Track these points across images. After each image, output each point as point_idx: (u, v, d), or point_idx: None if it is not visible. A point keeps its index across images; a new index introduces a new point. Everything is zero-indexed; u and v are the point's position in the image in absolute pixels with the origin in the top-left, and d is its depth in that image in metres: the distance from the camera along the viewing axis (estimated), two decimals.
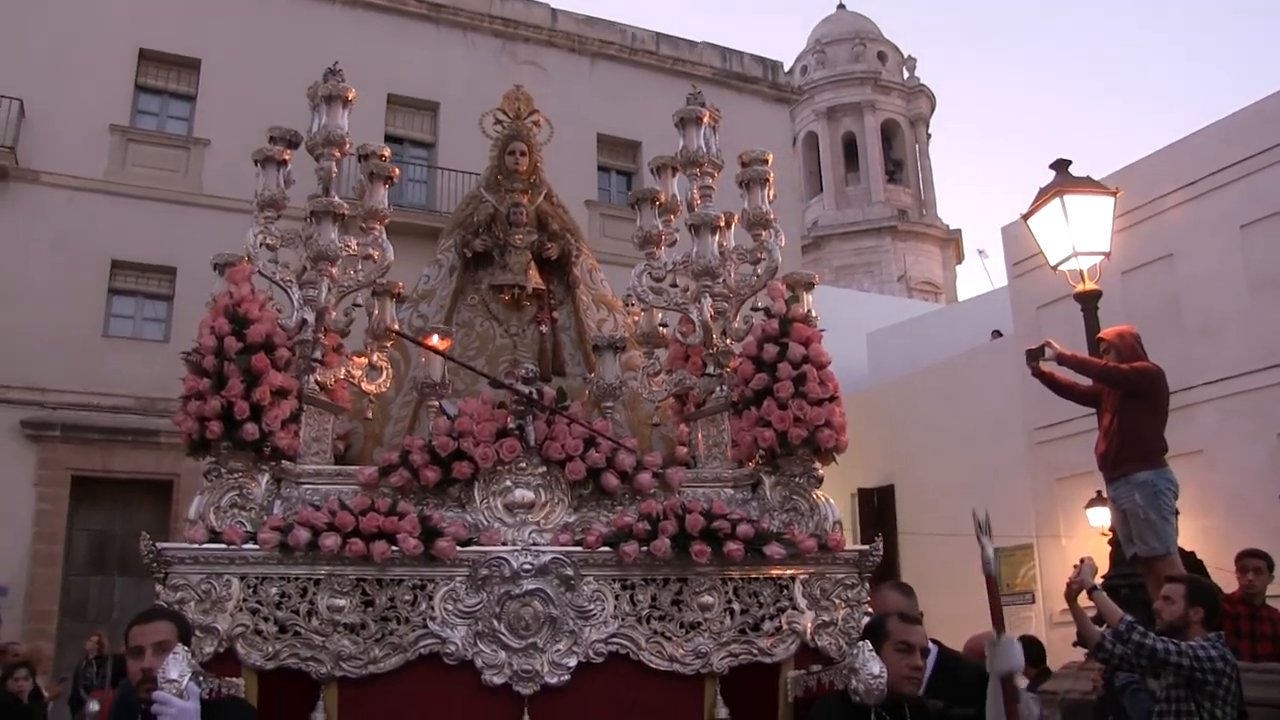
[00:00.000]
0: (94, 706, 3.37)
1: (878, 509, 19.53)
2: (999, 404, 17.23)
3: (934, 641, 4.72)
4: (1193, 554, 7.87)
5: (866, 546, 4.66)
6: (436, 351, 4.69)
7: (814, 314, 4.94)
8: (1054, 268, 8.66)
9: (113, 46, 18.32)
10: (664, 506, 4.43)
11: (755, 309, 5.11)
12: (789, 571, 4.52)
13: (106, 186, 17.82)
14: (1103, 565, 7.79)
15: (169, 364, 15.92)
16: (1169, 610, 5.16)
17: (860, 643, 3.96)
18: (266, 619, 4.09)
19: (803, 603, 4.52)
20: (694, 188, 5.29)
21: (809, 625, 4.49)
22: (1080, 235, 8.39)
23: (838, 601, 4.56)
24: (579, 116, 20.16)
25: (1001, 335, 19.44)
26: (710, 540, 4.36)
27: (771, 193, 5.23)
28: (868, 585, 4.68)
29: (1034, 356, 7.49)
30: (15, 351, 16.53)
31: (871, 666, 3.85)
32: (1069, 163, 8.87)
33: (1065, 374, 7.70)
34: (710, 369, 5.01)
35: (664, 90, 21.93)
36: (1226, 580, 7.73)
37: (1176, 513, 7.31)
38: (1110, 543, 7.86)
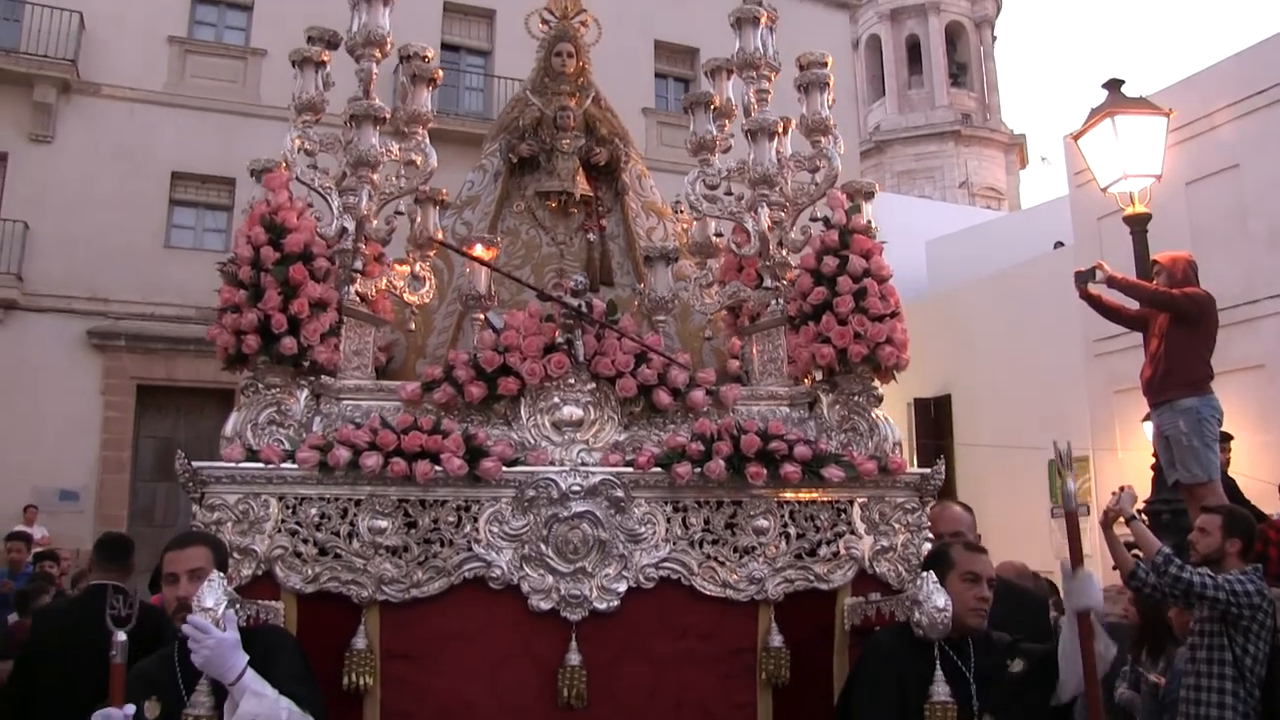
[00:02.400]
0: (121, 637, 3.16)
1: (934, 419, 19.18)
2: (1058, 315, 16.66)
3: None
4: (1233, 481, 7.60)
5: (928, 470, 4.36)
6: (482, 262, 4.41)
7: (874, 225, 4.61)
8: (1104, 190, 8.40)
9: None
10: (718, 426, 4.16)
11: (814, 219, 4.77)
12: (847, 495, 4.25)
13: (166, 98, 17.72)
14: (1145, 490, 7.61)
15: None
16: (1205, 542, 5.03)
17: (924, 573, 3.68)
18: (306, 541, 3.88)
19: (861, 527, 4.25)
20: (750, 91, 4.92)
21: (867, 551, 4.23)
22: (1131, 157, 8.13)
23: (897, 526, 4.29)
24: (636, 22, 19.64)
25: (1063, 245, 18.84)
26: (766, 462, 4.08)
27: (831, 97, 4.86)
28: (928, 509, 4.41)
29: (1084, 278, 7.36)
30: (79, 262, 16.60)
31: (936, 599, 3.57)
32: (1121, 82, 8.56)
33: (1113, 297, 7.57)
34: (767, 281, 4.69)
35: None
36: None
37: (1230, 436, 7.03)
38: (1153, 468, 7.62)
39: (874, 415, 4.41)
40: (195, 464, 3.88)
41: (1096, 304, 7.56)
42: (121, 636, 3.10)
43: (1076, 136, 8.76)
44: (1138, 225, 8.10)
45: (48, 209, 16.62)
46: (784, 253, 4.73)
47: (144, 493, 17.05)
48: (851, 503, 4.26)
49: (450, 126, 16.87)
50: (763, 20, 4.86)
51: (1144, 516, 6.95)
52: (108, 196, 16.83)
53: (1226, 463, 7.68)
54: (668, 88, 21.73)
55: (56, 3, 16.94)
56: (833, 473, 4.15)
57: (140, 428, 16.98)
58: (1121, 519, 4.96)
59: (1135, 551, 5.26)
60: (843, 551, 4.21)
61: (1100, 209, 15.90)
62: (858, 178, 4.92)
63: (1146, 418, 7.61)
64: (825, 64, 4.83)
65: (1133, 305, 7.61)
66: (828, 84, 4.76)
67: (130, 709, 3.06)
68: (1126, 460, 16.11)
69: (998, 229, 23.75)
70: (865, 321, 4.27)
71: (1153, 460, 7.67)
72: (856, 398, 4.42)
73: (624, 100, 5.96)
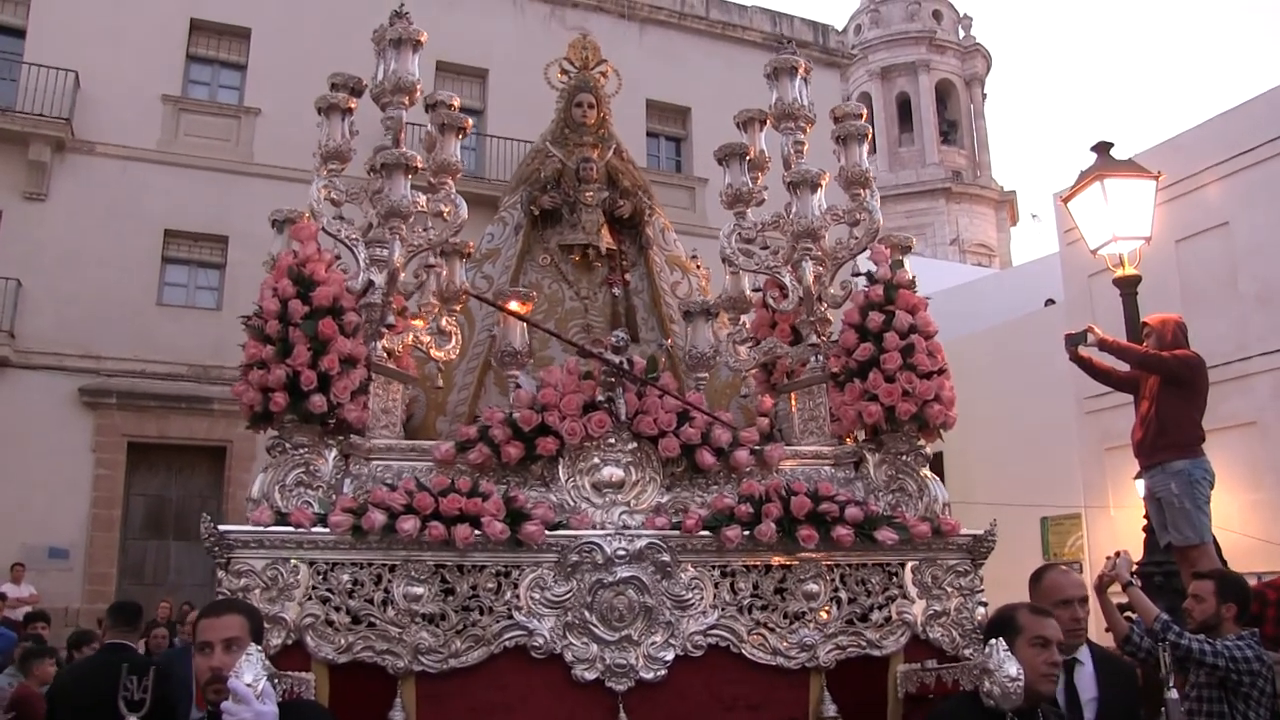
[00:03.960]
0: None
1: None
2: (1050, 372, 16.54)
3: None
4: (1215, 542, 7.53)
5: (980, 532, 4.15)
6: (519, 316, 4.20)
7: (916, 279, 4.44)
8: (1094, 252, 8.29)
9: (164, 16, 17.97)
10: (767, 487, 3.94)
11: (855, 274, 4.59)
12: (898, 557, 4.04)
13: (159, 156, 17.54)
14: (1138, 551, 7.49)
15: (221, 332, 15.94)
16: (1200, 609, 4.90)
17: (994, 640, 3.44)
18: (338, 608, 3.62)
19: (913, 591, 4.04)
20: (788, 143, 4.76)
21: (920, 615, 4.01)
22: (1120, 219, 8.01)
23: (950, 590, 4.08)
24: (628, 82, 19.33)
25: (1055, 303, 18.80)
26: (818, 524, 3.87)
27: (869, 150, 4.71)
28: (981, 573, 4.19)
29: (1074, 341, 7.26)
30: (72, 320, 16.37)
31: (1009, 668, 3.32)
32: (1110, 145, 8.49)
33: (1103, 359, 7.49)
34: (810, 338, 4.50)
35: (713, 55, 21.38)
36: (1271, 554, 7.31)
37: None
38: (1145, 529, 7.50)
39: (923, 475, 4.22)
40: (221, 528, 3.63)
41: (1087, 366, 7.50)
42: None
43: (1066, 199, 8.71)
44: (1127, 287, 8.00)
45: (41, 266, 16.38)
46: (824, 308, 4.55)
47: (134, 550, 16.67)
48: (903, 565, 4.05)
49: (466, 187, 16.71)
50: (800, 71, 4.71)
51: (1136, 579, 6.85)
52: (100, 254, 16.61)
53: None
54: (659, 147, 21.70)
55: (52, 62, 16.80)
56: (886, 535, 3.94)
57: (131, 485, 16.62)
58: (1118, 583, 4.87)
59: (1129, 614, 5.13)
60: (895, 616, 3.99)
61: (1091, 266, 15.84)
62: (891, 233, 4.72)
63: (1138, 475, 7.58)
64: (861, 115, 4.68)
65: (1123, 367, 7.54)
66: (866, 135, 4.61)
67: None
68: (1119, 518, 15.95)
69: (989, 286, 23.75)
70: (913, 378, 4.10)
71: (1144, 521, 7.59)
72: (904, 457, 4.23)
73: None
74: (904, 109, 42.09)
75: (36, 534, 15.67)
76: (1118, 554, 4.99)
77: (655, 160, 21.44)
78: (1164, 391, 6.97)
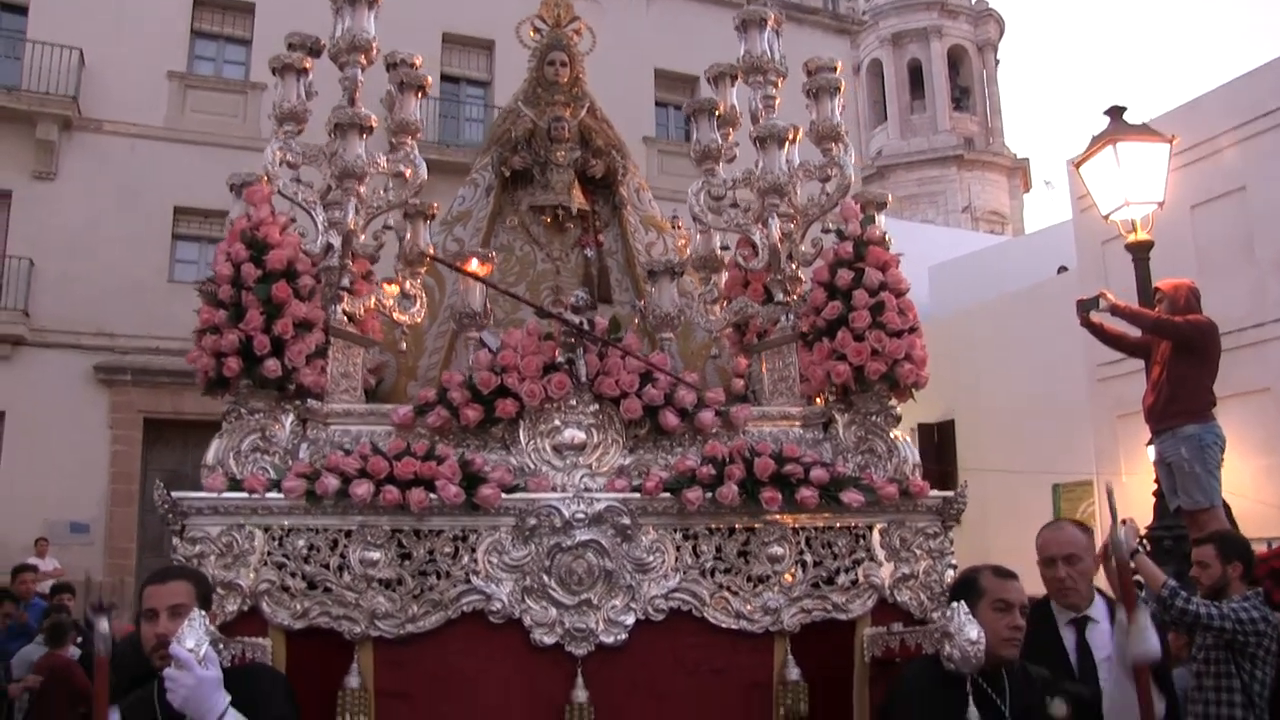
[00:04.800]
0: (104, 626, 2.90)
1: (938, 444, 18.86)
2: (1062, 339, 16.37)
3: (1101, 594, 4.12)
4: (1227, 505, 7.49)
5: (950, 493, 4.05)
6: (476, 277, 4.12)
7: (889, 237, 4.32)
8: (1106, 217, 8.27)
9: None
10: (730, 449, 3.84)
11: (825, 231, 4.48)
12: (865, 520, 3.93)
13: (167, 134, 17.56)
14: (1148, 513, 7.57)
15: None
16: (1207, 575, 4.94)
17: (955, 603, 3.35)
18: (294, 574, 3.56)
19: (881, 554, 3.93)
20: (758, 98, 4.64)
21: (887, 579, 3.91)
22: (1133, 184, 7.97)
23: (919, 553, 3.97)
24: (636, 52, 19.47)
25: (1067, 270, 18.57)
26: (782, 486, 3.77)
27: (841, 104, 4.58)
28: (951, 535, 4.09)
29: (1086, 307, 7.29)
30: (85, 298, 16.43)
31: (969, 630, 3.24)
32: (1123, 109, 8.42)
33: (1115, 324, 7.51)
34: (777, 296, 4.39)
35: (723, 24, 21.00)
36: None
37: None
38: (1155, 494, 7.52)
39: (893, 436, 4.11)
40: (175, 494, 3.58)
41: (1099, 332, 7.51)
42: (104, 626, 2.83)
43: (1078, 164, 8.68)
44: (1140, 253, 7.97)
45: (52, 245, 16.43)
46: (794, 266, 4.44)
47: (152, 525, 16.73)
48: (870, 528, 3.95)
49: (450, 158, 16.65)
50: (769, 23, 4.59)
51: (1146, 544, 6.91)
52: (111, 232, 16.65)
53: None
54: (668, 116, 21.50)
55: (56, 39, 16.78)
56: (852, 497, 3.83)
57: (148, 461, 16.71)
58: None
59: (1137, 577, 5.02)
60: (862, 580, 3.89)
61: (1104, 233, 15.64)
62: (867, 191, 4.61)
63: (1150, 442, 7.56)
64: (835, 69, 4.55)
65: (1135, 333, 7.54)
66: (838, 89, 4.48)
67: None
68: (1130, 484, 15.75)
69: (1001, 254, 23.45)
70: (883, 337, 3.98)
71: (1155, 486, 7.58)
72: (874, 418, 4.12)
73: (624, 129, 5.68)
74: (915, 76, 41.54)
75: (58, 510, 15.85)
76: (1123, 522, 4.90)
77: (664, 130, 21.29)
78: (1176, 357, 6.96)
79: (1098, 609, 3.97)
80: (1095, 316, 7.38)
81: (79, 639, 9.04)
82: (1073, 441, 17.02)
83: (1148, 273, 7.89)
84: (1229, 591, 4.86)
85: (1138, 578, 5.25)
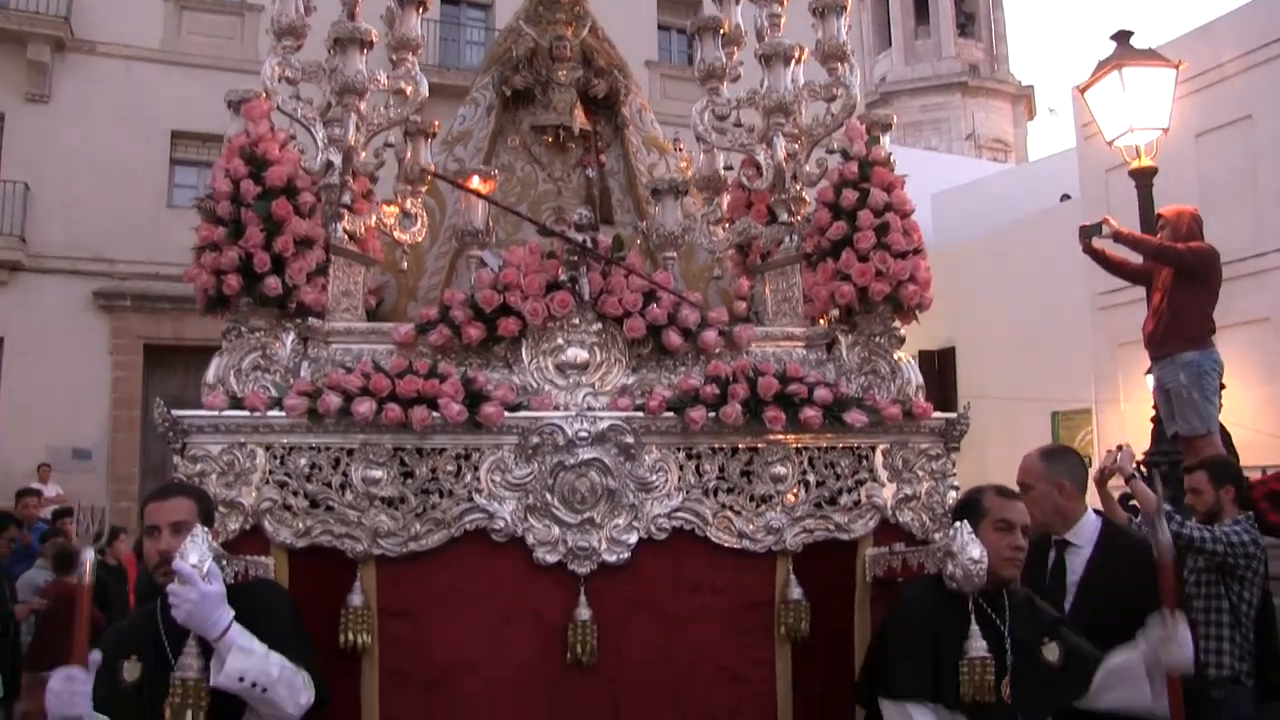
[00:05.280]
0: (90, 554, 2.90)
1: (939, 371, 18.83)
2: (1064, 268, 16.32)
3: (1096, 512, 4.11)
4: (1228, 434, 7.61)
5: (954, 415, 4.03)
6: (479, 195, 4.05)
7: (894, 158, 4.27)
8: (1110, 143, 8.27)
9: None
10: (733, 368, 3.82)
11: (830, 152, 4.41)
12: (868, 441, 3.92)
13: (163, 56, 17.33)
14: (1146, 441, 7.71)
15: None
16: (1201, 501, 5.03)
17: (958, 523, 3.35)
18: (296, 493, 3.55)
19: (883, 475, 3.93)
20: (763, 15, 4.54)
21: (889, 499, 3.90)
22: (1138, 110, 7.96)
23: (921, 474, 3.96)
24: None
25: (1070, 199, 18.45)
26: (785, 406, 3.75)
27: (847, 24, 4.48)
28: (954, 457, 4.08)
29: (1089, 233, 7.32)
30: (82, 224, 16.31)
31: (971, 550, 3.23)
32: (1130, 34, 8.38)
33: (1117, 251, 7.55)
34: (781, 216, 4.34)
35: None
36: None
37: (1223, 387, 7.16)
38: (1153, 420, 7.65)
39: (896, 358, 4.08)
40: (175, 412, 3.56)
41: (1101, 259, 7.52)
42: (90, 554, 2.81)
43: (1083, 89, 8.64)
44: (1143, 179, 7.99)
45: (48, 170, 16.28)
46: (798, 187, 4.38)
47: (155, 451, 16.80)
48: (873, 449, 3.94)
49: (451, 81, 16.43)
50: None
51: (1143, 469, 6.99)
52: (108, 156, 16.48)
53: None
54: (671, 40, 21.21)
55: None
56: (855, 417, 3.82)
57: (149, 387, 16.70)
58: (1120, 476, 4.93)
59: (1133, 502, 5.32)
60: (864, 500, 3.89)
61: (1108, 162, 15.50)
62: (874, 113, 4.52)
63: (1149, 371, 7.60)
64: None
65: (1137, 260, 7.57)
66: (844, 7, 4.37)
67: (96, 655, 2.80)
68: (1129, 413, 15.84)
69: (1004, 182, 23.28)
70: (887, 258, 3.94)
71: (1153, 413, 7.66)
72: (877, 339, 4.09)
73: (627, 52, 5.55)
74: (920, 1, 40.90)
75: (60, 436, 15.89)
76: (1120, 447, 5.02)
77: (666, 54, 21.02)
78: (1176, 284, 6.99)
79: (1081, 533, 3.95)
80: (1097, 243, 7.41)
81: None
82: (1072, 369, 17.05)
83: (1150, 199, 7.90)
84: (1222, 516, 4.95)
85: (1133, 502, 5.30)
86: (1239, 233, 13.76)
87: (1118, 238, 7.23)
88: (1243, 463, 6.94)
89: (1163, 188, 8.12)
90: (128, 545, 9.98)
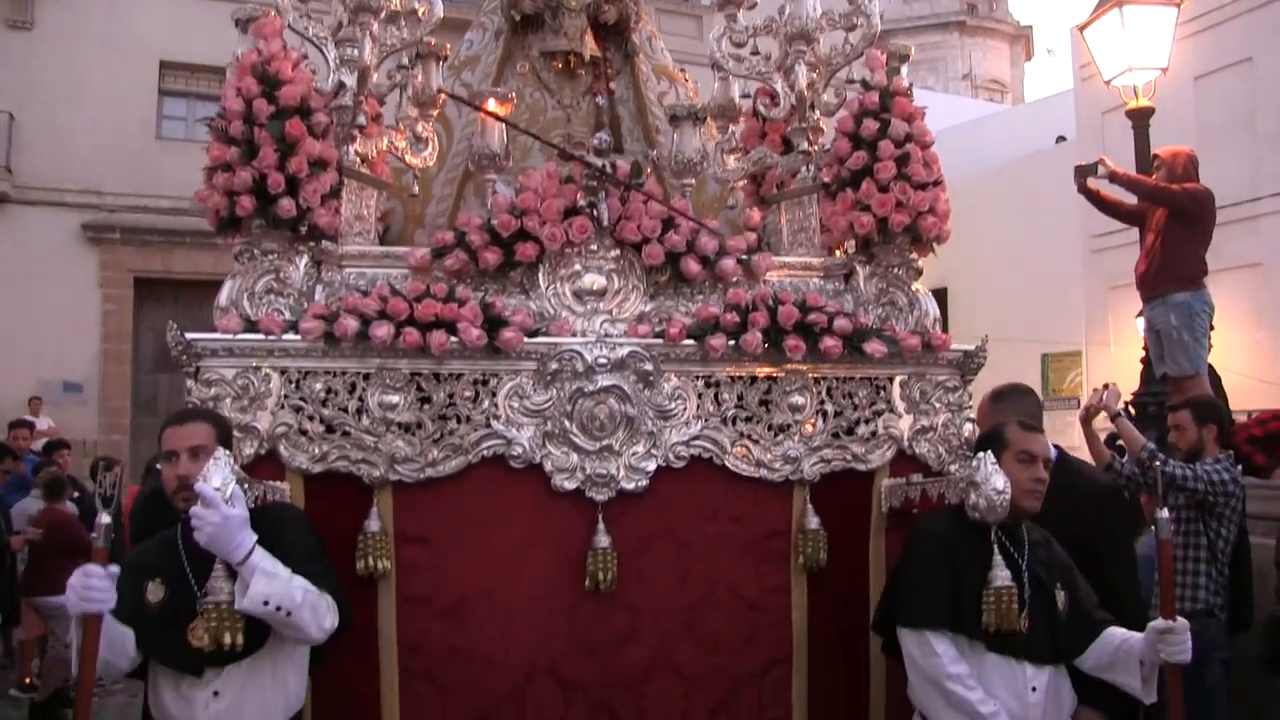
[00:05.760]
0: (105, 519, 2.83)
1: None
2: (1058, 210, 16.27)
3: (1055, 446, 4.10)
4: (1218, 377, 7.65)
5: (971, 347, 4.00)
6: (496, 117, 3.96)
7: (913, 88, 4.20)
8: (1108, 83, 8.21)
9: None
10: (753, 296, 3.77)
11: (850, 82, 4.33)
12: (886, 372, 3.90)
13: None
14: (1135, 383, 7.78)
15: None
16: (1184, 439, 5.09)
17: (981, 454, 3.33)
18: (312, 418, 3.50)
19: (900, 406, 3.91)
20: None
21: (906, 430, 3.89)
22: (1137, 49, 7.87)
23: (938, 405, 3.95)
24: None
25: (1066, 140, 18.33)
26: (805, 335, 3.71)
27: None
28: (970, 389, 4.06)
29: (1084, 173, 7.31)
30: (71, 154, 16.04)
31: (995, 480, 3.23)
32: None
33: (1111, 192, 7.54)
34: (800, 145, 4.27)
35: None
36: (1271, 394, 7.30)
37: (1212, 328, 7.15)
38: (1142, 361, 7.70)
39: (914, 289, 4.05)
40: (189, 335, 3.49)
41: (1095, 199, 7.50)
42: (106, 519, 2.76)
43: (1082, 27, 8.59)
44: (1140, 120, 7.94)
45: (34, 99, 15.96)
46: (816, 116, 4.31)
47: (146, 384, 16.76)
48: (891, 380, 3.91)
49: (460, 15, 16.13)
50: None
51: (1132, 409, 7.01)
52: (95, 86, 16.17)
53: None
54: None
55: None
56: (875, 347, 3.79)
57: (140, 320, 16.58)
58: (1106, 414, 5.04)
59: (1119, 442, 5.38)
60: (881, 431, 3.87)
61: (1105, 103, 15.41)
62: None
63: (1140, 314, 7.61)
64: None
65: (1131, 200, 7.55)
66: None
67: (115, 569, 2.74)
68: (1119, 355, 15.87)
69: (999, 123, 23.10)
70: (908, 189, 3.88)
71: (1143, 353, 7.69)
72: (895, 270, 4.05)
73: None
74: None
75: (50, 369, 15.77)
76: (1106, 386, 5.11)
77: None
78: (1170, 225, 6.95)
79: None
80: (1092, 183, 7.40)
81: (75, 494, 9.11)
82: (1064, 312, 17.07)
83: (1147, 140, 7.88)
84: (1203, 454, 5.01)
85: (1119, 442, 5.33)
86: (1235, 177, 13.69)
87: (1113, 178, 7.21)
88: (1231, 407, 6.99)
89: (1160, 130, 8.08)
90: (67, 459, 9.98)
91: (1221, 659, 4.83)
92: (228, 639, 2.83)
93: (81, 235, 16.29)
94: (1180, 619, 3.20)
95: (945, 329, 4.05)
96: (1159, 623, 3.20)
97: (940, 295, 19.00)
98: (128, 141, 16.39)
